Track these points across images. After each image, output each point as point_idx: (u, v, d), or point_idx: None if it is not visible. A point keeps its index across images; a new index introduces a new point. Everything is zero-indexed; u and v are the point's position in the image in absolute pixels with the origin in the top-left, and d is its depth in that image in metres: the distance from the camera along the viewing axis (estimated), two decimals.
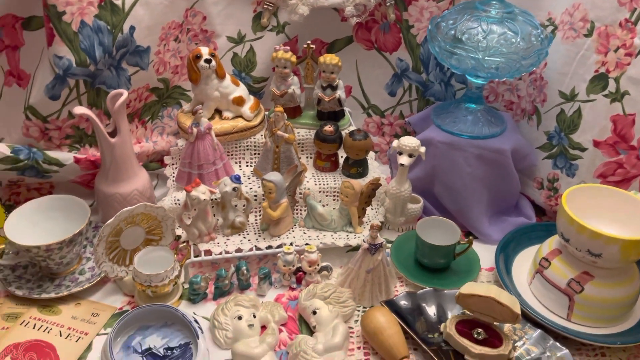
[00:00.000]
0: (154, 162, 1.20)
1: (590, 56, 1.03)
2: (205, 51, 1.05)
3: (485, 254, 1.07)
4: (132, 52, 1.05)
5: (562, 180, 1.11)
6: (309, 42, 1.13)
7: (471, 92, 1.15)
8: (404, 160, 1.06)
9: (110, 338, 0.84)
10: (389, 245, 1.08)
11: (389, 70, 1.27)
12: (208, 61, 1.05)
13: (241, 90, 1.12)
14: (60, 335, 0.89)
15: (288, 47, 1.09)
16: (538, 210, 1.20)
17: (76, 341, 0.88)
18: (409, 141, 1.05)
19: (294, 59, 1.09)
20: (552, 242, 0.98)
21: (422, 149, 1.06)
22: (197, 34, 1.18)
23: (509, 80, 1.23)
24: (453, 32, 1.04)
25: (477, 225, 1.13)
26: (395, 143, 1.07)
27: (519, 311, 0.84)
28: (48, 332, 0.89)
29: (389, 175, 1.26)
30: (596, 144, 1.04)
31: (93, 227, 1.08)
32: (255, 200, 1.08)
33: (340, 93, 1.11)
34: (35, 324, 0.90)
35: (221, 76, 1.09)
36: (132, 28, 1.03)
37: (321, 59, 1.08)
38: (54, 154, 1.04)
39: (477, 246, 1.08)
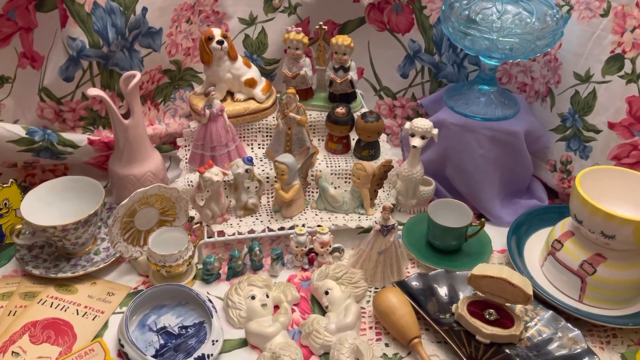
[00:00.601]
0: (167, 145, 1.21)
1: (606, 37, 1.02)
2: (217, 32, 1.05)
3: (497, 236, 1.07)
4: (145, 33, 1.05)
5: (576, 163, 1.10)
6: (321, 23, 1.12)
7: (484, 73, 1.14)
8: (416, 142, 1.05)
9: (127, 316, 0.85)
10: (400, 227, 1.08)
11: (401, 51, 1.26)
12: (220, 42, 1.05)
13: (253, 72, 1.12)
14: (77, 314, 0.90)
15: (300, 29, 1.09)
16: (550, 192, 1.19)
17: (92, 319, 0.90)
18: (422, 123, 1.05)
19: (305, 40, 1.09)
20: (564, 224, 0.98)
21: (435, 131, 1.05)
22: (209, 15, 1.18)
23: (522, 62, 1.21)
24: (467, 12, 1.02)
25: (489, 208, 1.12)
26: (407, 125, 1.06)
27: (531, 292, 0.84)
28: (65, 311, 0.91)
29: (401, 158, 1.26)
30: (611, 125, 1.03)
31: (107, 209, 1.09)
32: (268, 182, 1.08)
33: (352, 75, 1.11)
34: (52, 303, 0.92)
35: (233, 58, 1.09)
36: (145, 9, 1.03)
37: (333, 40, 1.08)
38: (68, 135, 1.05)
39: (488, 228, 1.08)
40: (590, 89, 1.05)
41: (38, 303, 0.91)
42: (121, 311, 0.91)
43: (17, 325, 0.87)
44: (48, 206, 0.99)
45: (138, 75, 0.99)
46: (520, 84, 1.24)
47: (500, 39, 0.98)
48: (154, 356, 0.83)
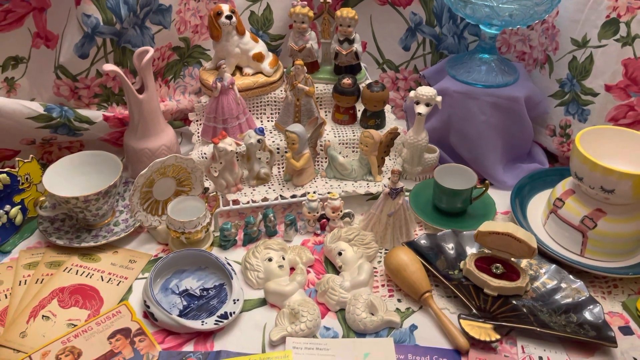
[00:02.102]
0: (178, 121, 1.24)
1: (601, 2, 1.05)
2: (226, 8, 1.08)
3: (500, 199, 1.11)
4: (155, 10, 1.08)
5: (574, 126, 1.14)
6: None
7: (484, 42, 1.17)
8: (421, 109, 1.09)
9: (151, 279, 0.89)
10: (407, 193, 1.12)
11: (402, 24, 1.29)
12: (229, 17, 1.08)
13: (260, 47, 1.15)
14: (102, 280, 0.94)
15: (305, 3, 1.12)
16: (550, 157, 1.23)
17: (117, 285, 0.94)
18: (426, 90, 1.08)
19: (311, 13, 1.12)
20: (565, 184, 1.02)
21: (439, 98, 1.09)
22: None
23: (521, 31, 1.25)
24: None
25: (492, 172, 1.16)
26: (412, 93, 1.10)
27: (535, 246, 0.88)
28: (90, 277, 0.94)
29: (405, 129, 1.30)
30: (608, 88, 1.07)
31: (124, 182, 1.12)
32: (278, 153, 1.12)
33: (357, 46, 1.14)
34: (77, 270, 0.95)
35: (241, 32, 1.12)
36: None
37: (338, 12, 1.11)
38: (84, 112, 1.09)
39: (492, 192, 1.12)
40: (587, 53, 1.09)
41: (64, 271, 0.95)
42: (144, 277, 0.95)
43: (46, 291, 0.91)
44: (67, 181, 1.02)
45: (151, 50, 1.02)
46: (519, 52, 1.27)
47: (500, 5, 1.02)
48: (178, 316, 0.87)
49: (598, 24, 1.06)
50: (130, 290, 0.93)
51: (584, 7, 1.07)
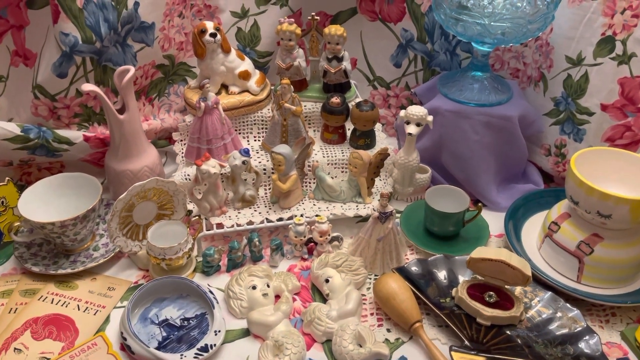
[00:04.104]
0: (162, 140, 1.21)
1: (596, 19, 1.02)
2: (210, 25, 1.05)
3: (494, 221, 1.08)
4: (137, 28, 1.05)
5: (570, 146, 1.11)
6: (313, 14, 1.13)
7: (477, 60, 1.14)
8: (411, 129, 1.06)
9: (128, 309, 0.85)
10: (398, 215, 1.09)
11: (393, 41, 1.26)
12: (213, 35, 1.05)
13: (247, 65, 1.12)
14: (78, 309, 0.90)
15: (293, 20, 1.09)
16: (546, 177, 1.20)
17: (94, 314, 0.90)
18: (417, 110, 1.05)
19: (298, 31, 1.09)
20: (561, 206, 0.98)
21: (430, 118, 1.06)
22: (201, 9, 1.18)
23: (514, 48, 1.22)
24: None
25: (485, 193, 1.13)
26: (402, 113, 1.07)
27: (529, 273, 0.84)
28: (66, 306, 0.90)
29: (396, 147, 1.26)
30: (604, 107, 1.03)
31: (105, 205, 1.09)
32: (265, 174, 1.08)
33: (346, 64, 1.11)
34: (53, 299, 0.91)
35: (226, 50, 1.09)
36: (137, 4, 1.03)
37: (326, 30, 1.08)
38: (63, 132, 1.05)
39: (485, 214, 1.09)
40: (582, 72, 1.06)
41: (39, 300, 0.91)
42: (122, 305, 0.91)
43: (19, 322, 0.87)
44: (45, 204, 0.99)
45: (132, 69, 0.98)
46: (512, 69, 1.24)
47: (492, 23, 0.99)
48: (157, 348, 0.83)
49: (593, 42, 1.03)
50: (107, 320, 0.89)
51: (579, 24, 1.05)
